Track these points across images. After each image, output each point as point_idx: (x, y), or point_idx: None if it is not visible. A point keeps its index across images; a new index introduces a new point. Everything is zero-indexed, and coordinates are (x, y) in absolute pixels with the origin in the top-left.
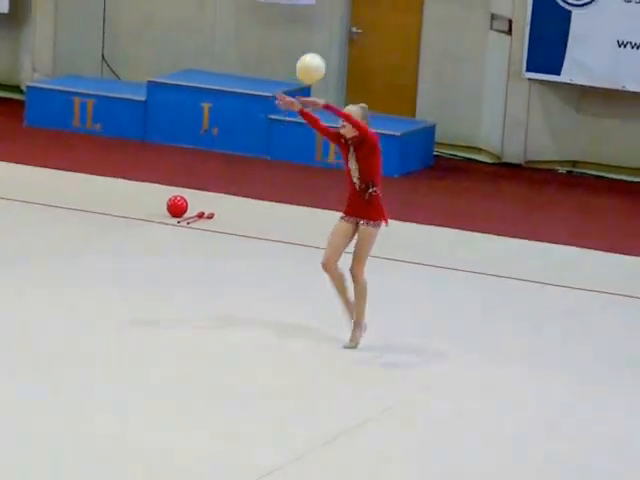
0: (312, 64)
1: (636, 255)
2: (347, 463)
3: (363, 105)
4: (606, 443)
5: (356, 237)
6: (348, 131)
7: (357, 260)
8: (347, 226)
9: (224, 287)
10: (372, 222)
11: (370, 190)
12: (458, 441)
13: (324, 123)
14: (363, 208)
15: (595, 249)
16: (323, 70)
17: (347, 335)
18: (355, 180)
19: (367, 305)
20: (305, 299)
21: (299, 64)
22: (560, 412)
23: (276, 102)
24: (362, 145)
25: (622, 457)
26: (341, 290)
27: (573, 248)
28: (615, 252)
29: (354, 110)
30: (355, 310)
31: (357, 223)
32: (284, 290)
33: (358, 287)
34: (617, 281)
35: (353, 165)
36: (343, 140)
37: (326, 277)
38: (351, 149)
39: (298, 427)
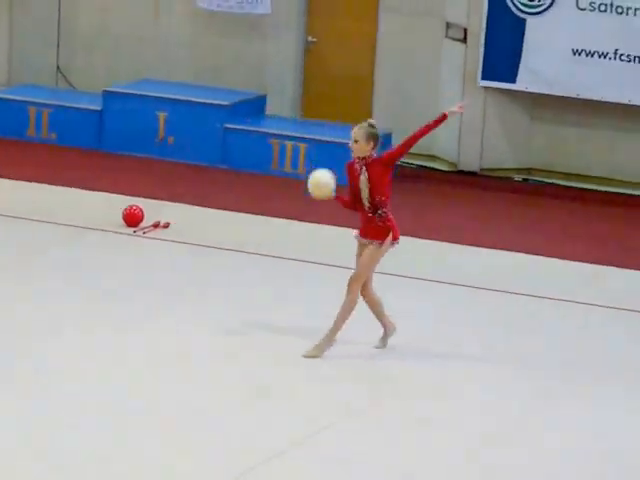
0: (322, 180)
1: (589, 262)
2: (313, 466)
3: (365, 123)
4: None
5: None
6: (359, 149)
7: (354, 274)
8: (364, 248)
9: (182, 296)
10: (378, 242)
11: (380, 211)
12: (424, 445)
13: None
14: (373, 230)
15: (550, 256)
16: (332, 186)
17: (306, 342)
18: (365, 203)
19: (344, 322)
20: (263, 306)
21: (311, 181)
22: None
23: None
24: (377, 165)
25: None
26: (377, 313)
27: (521, 254)
28: (570, 259)
29: (354, 131)
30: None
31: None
32: (241, 297)
33: (345, 299)
34: (569, 287)
35: (364, 185)
36: (354, 164)
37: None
38: (363, 169)
39: (264, 431)
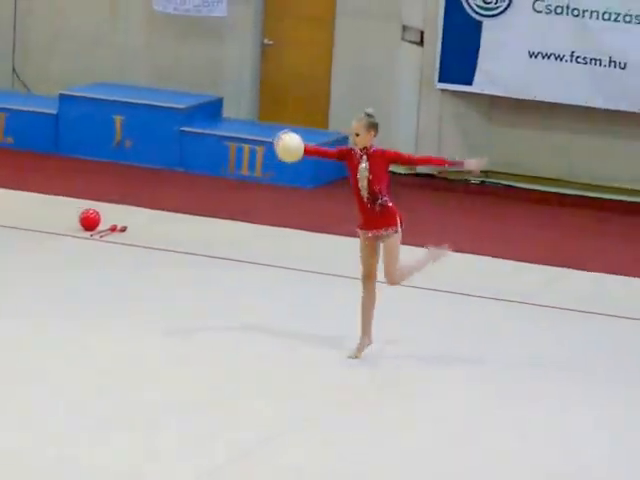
0: (292, 144)
1: (548, 264)
2: (263, 476)
3: (362, 114)
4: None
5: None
6: (361, 141)
7: (387, 270)
8: (370, 242)
9: (141, 300)
10: (392, 228)
11: (380, 200)
12: (376, 455)
13: (320, 147)
14: (380, 219)
15: (508, 258)
16: (302, 148)
17: (257, 347)
18: (363, 193)
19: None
20: (219, 310)
21: (280, 147)
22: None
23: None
24: (379, 157)
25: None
26: (368, 318)
27: (477, 256)
28: (527, 261)
29: (354, 126)
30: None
31: (378, 235)
32: (199, 301)
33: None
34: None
35: (364, 174)
36: (354, 152)
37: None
38: (364, 158)
39: (215, 440)
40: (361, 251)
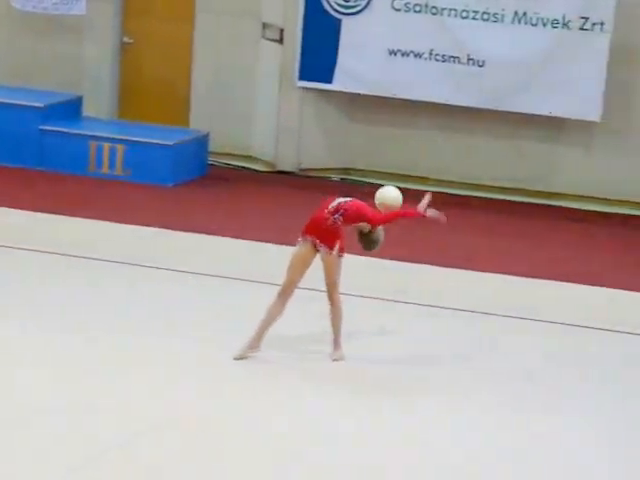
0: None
1: (412, 262)
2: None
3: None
4: None
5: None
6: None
7: (327, 289)
8: (305, 250)
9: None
10: (326, 248)
11: (336, 216)
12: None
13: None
14: (323, 232)
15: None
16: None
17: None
18: (332, 204)
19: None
20: (87, 307)
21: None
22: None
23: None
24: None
25: None
26: (271, 316)
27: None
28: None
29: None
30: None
31: (314, 243)
32: (64, 300)
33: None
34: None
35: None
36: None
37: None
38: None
39: (65, 445)
40: (295, 256)
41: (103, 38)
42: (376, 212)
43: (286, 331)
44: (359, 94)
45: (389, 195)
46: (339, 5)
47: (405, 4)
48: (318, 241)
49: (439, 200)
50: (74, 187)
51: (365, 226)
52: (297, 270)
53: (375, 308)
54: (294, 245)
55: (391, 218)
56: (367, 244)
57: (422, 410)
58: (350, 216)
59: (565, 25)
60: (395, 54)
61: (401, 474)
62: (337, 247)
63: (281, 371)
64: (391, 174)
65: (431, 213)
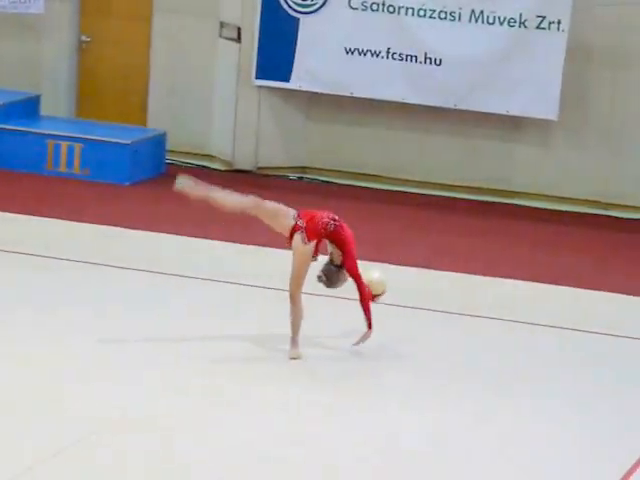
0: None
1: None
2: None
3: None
4: None
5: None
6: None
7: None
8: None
9: None
10: (302, 232)
11: (300, 222)
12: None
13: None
14: (313, 227)
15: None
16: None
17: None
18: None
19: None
20: (47, 305)
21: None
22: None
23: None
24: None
25: None
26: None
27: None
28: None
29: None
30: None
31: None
32: (26, 299)
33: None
34: None
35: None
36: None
37: None
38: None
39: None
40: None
41: (61, 37)
42: (356, 262)
43: (255, 331)
44: (317, 93)
45: (377, 282)
46: (296, 4)
47: (362, 3)
48: (304, 227)
49: (396, 199)
50: (31, 186)
51: (338, 258)
52: (264, 208)
53: (339, 307)
54: (244, 244)
55: (359, 280)
56: (329, 275)
57: (379, 409)
58: (339, 233)
59: (522, 24)
60: (352, 53)
61: (361, 473)
62: (314, 244)
63: (243, 370)
64: (348, 173)
65: (365, 336)
